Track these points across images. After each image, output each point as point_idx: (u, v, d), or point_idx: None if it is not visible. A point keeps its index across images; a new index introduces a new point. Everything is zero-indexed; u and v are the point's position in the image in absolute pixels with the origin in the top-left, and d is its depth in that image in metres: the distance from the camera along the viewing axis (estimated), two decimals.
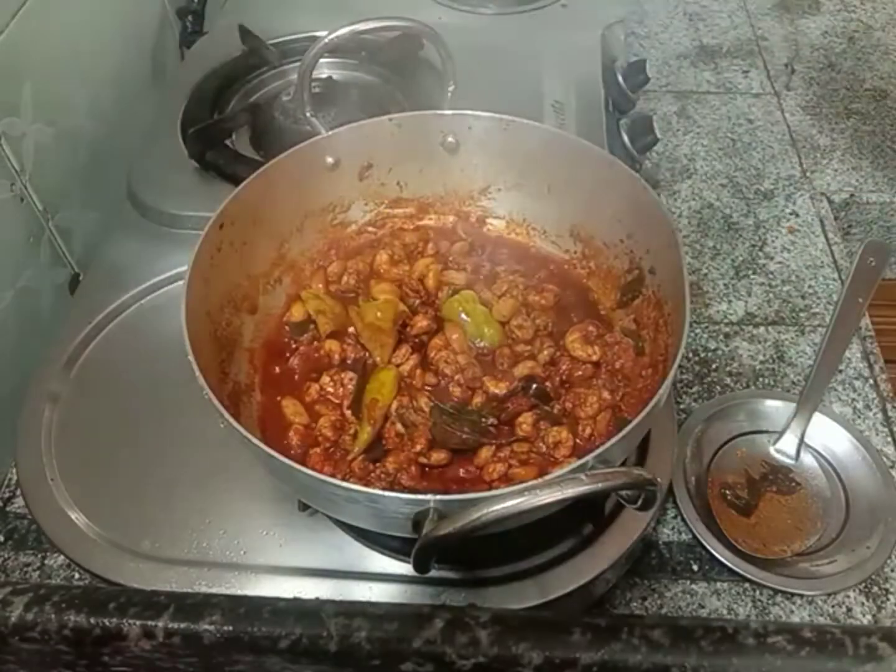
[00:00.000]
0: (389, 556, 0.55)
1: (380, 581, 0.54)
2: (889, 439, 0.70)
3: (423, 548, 0.41)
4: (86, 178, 0.83)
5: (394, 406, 0.56)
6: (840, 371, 0.75)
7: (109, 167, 0.85)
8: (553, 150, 0.63)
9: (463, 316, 0.61)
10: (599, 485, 0.39)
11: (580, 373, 0.58)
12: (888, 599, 0.61)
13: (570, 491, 0.39)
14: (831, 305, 0.80)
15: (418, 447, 0.54)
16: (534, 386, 0.57)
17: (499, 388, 0.57)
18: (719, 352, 0.77)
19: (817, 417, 0.69)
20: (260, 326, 0.61)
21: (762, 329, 0.79)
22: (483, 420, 0.55)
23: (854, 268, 0.66)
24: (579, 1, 0.98)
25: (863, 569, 0.61)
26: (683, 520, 0.64)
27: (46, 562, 0.62)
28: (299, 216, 0.65)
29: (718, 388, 0.74)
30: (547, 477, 0.42)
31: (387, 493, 0.43)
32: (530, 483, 0.41)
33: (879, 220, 0.95)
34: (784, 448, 0.67)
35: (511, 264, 0.67)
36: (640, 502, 0.42)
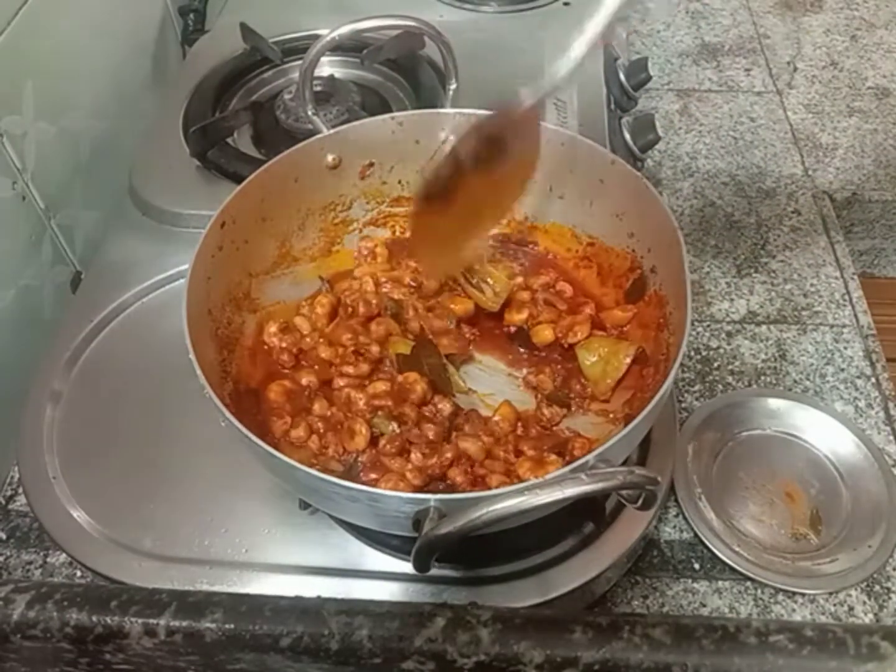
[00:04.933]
0: (391, 554, 0.55)
1: (381, 579, 0.54)
2: (891, 438, 0.70)
3: (422, 547, 0.41)
4: (87, 177, 0.83)
5: None
6: (842, 370, 0.75)
7: (111, 165, 0.85)
8: (555, 149, 0.62)
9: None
10: (600, 484, 0.39)
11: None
12: (890, 598, 0.61)
13: (571, 490, 0.39)
14: (833, 304, 0.80)
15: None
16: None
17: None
18: (721, 350, 0.77)
19: (819, 416, 0.69)
20: (261, 325, 0.61)
21: (764, 327, 0.79)
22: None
23: None
24: None
25: (864, 567, 0.61)
26: (685, 518, 0.64)
27: (48, 560, 0.62)
28: (301, 215, 0.65)
29: (720, 386, 0.74)
30: (547, 476, 0.42)
31: (387, 492, 0.43)
32: (531, 482, 0.41)
33: (881, 219, 0.95)
34: None
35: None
36: (640, 502, 0.42)
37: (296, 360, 0.60)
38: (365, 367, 0.58)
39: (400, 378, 0.57)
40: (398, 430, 0.54)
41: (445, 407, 0.56)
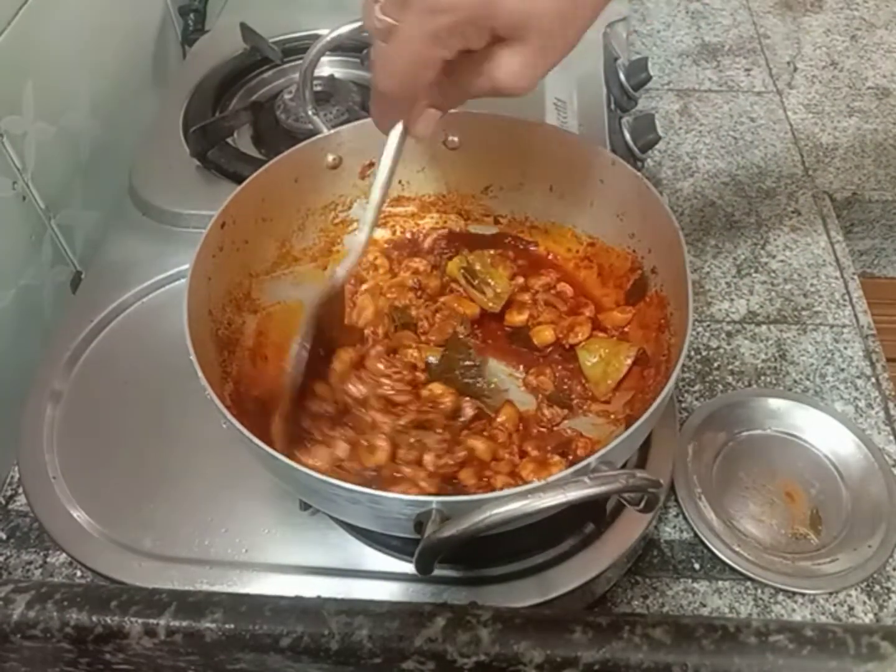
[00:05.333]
0: (391, 554, 0.55)
1: (381, 579, 0.54)
2: (891, 438, 0.70)
3: (425, 550, 0.41)
4: (87, 177, 0.83)
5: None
6: (842, 370, 0.75)
7: (111, 165, 0.85)
8: (555, 149, 0.62)
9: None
10: (602, 487, 0.39)
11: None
12: (890, 598, 0.61)
13: (573, 494, 0.38)
14: (833, 304, 0.80)
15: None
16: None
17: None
18: (721, 350, 0.77)
19: (819, 416, 0.69)
20: (261, 326, 0.61)
21: (764, 327, 0.79)
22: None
23: None
24: None
25: (864, 567, 0.61)
26: (685, 518, 0.64)
27: (48, 560, 0.62)
28: (301, 215, 0.65)
29: (720, 386, 0.74)
30: (550, 479, 0.42)
31: (389, 495, 0.43)
32: (534, 485, 0.41)
33: (882, 219, 0.95)
34: None
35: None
36: (642, 504, 0.42)
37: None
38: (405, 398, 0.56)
39: (425, 391, 0.56)
40: (424, 441, 0.53)
41: (468, 410, 0.55)
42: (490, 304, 0.62)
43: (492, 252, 0.66)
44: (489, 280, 0.62)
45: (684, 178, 0.94)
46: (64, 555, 0.61)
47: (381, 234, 0.69)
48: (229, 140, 0.81)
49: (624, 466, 0.48)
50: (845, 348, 0.76)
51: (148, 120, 0.87)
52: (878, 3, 1.21)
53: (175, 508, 0.57)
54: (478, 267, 0.62)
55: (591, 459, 0.42)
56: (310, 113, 0.69)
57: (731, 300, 0.81)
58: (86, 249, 0.82)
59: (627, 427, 0.45)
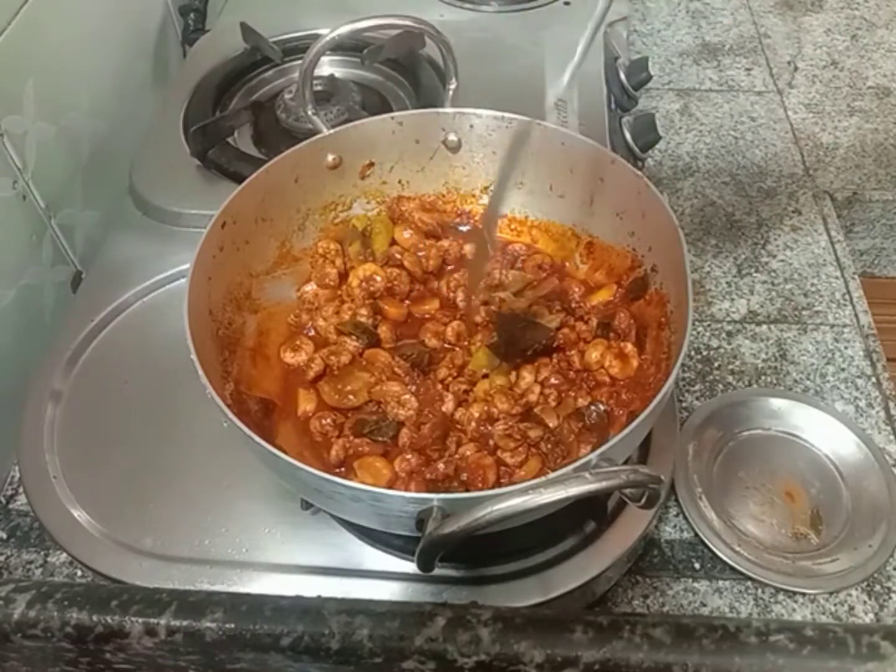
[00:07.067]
0: (391, 553, 0.55)
1: (382, 579, 0.54)
2: (892, 437, 0.70)
3: (427, 547, 0.41)
4: (88, 176, 0.83)
5: None
6: (843, 369, 0.75)
7: (111, 165, 0.85)
8: (555, 148, 0.63)
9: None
10: (604, 483, 0.39)
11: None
12: (890, 598, 0.61)
13: (574, 490, 0.38)
14: (834, 304, 0.80)
15: None
16: None
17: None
18: (721, 350, 0.77)
19: (820, 416, 0.69)
20: (262, 325, 0.61)
21: (764, 327, 0.79)
22: None
23: None
24: None
25: (865, 567, 0.61)
26: (685, 518, 0.64)
27: (49, 559, 0.62)
28: (301, 214, 0.65)
29: (721, 386, 0.74)
30: (551, 475, 0.42)
31: (390, 492, 0.43)
32: (534, 481, 0.41)
33: (882, 219, 0.95)
34: None
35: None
36: (643, 500, 0.42)
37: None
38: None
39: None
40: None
41: None
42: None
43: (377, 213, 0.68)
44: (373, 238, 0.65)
45: (684, 178, 0.94)
46: (64, 554, 0.61)
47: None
48: (229, 140, 0.81)
49: (625, 464, 0.48)
50: (846, 348, 0.76)
51: (148, 120, 0.87)
52: (879, 2, 1.21)
53: (175, 508, 0.57)
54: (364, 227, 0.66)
55: (592, 456, 0.43)
56: (310, 113, 0.69)
57: (732, 300, 0.81)
58: (86, 249, 0.82)
59: (628, 424, 0.45)
